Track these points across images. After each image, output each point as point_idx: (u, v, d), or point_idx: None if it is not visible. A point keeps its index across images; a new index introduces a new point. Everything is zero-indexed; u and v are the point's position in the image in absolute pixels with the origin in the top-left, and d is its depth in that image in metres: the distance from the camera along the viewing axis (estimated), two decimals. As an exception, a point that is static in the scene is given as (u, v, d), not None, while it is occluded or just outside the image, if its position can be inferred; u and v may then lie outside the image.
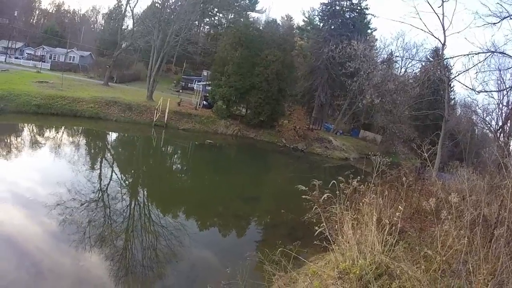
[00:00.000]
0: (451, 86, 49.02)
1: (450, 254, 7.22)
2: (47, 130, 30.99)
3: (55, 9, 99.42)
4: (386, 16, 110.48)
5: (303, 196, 9.66)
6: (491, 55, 20.46)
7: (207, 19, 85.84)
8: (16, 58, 63.88)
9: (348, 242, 8.18)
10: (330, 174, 34.44)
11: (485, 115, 32.68)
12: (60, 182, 17.37)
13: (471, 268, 6.62)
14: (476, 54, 19.98)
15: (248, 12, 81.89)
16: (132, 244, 13.36)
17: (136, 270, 11.74)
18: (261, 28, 51.62)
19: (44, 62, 63.76)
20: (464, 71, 22.03)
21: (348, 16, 58.62)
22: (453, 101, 56.10)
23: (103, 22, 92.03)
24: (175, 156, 34.52)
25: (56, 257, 11.41)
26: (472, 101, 46.70)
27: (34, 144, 26.04)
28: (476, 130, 53.53)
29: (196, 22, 74.50)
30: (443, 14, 22.08)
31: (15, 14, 78.15)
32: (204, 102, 48.41)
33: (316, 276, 8.50)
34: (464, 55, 20.54)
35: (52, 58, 67.44)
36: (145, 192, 21.04)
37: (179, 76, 70.06)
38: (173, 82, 68.49)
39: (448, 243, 7.33)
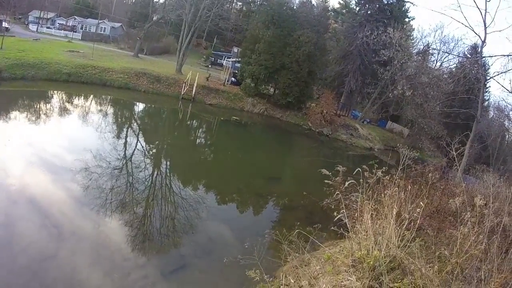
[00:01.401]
0: (487, 86, 47.04)
1: (465, 259, 7.10)
2: (77, 97, 31.75)
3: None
4: (425, 6, 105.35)
5: (325, 181, 9.59)
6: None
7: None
8: (48, 28, 64.55)
9: (366, 232, 8.14)
10: (353, 162, 34.14)
11: (518, 121, 31.28)
12: (86, 148, 17.96)
13: (483, 276, 6.51)
14: (516, 55, 19.08)
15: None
16: (152, 212, 13.80)
17: (153, 238, 12.14)
18: (295, 7, 50.53)
19: (75, 32, 64.61)
20: (502, 72, 21.10)
21: (386, 2, 56.22)
22: (486, 102, 53.93)
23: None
24: (200, 130, 34.93)
25: (77, 220, 11.87)
26: (506, 105, 44.82)
27: (63, 110, 26.81)
28: (507, 136, 51.47)
29: (229, -3, 73.65)
30: (485, 9, 21.08)
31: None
32: (233, 79, 48.22)
33: (329, 261, 8.56)
34: (504, 55, 19.76)
35: (83, 28, 67.77)
36: (168, 163, 21.48)
37: (209, 51, 69.80)
38: (202, 57, 68.38)
39: (465, 247, 7.19)
